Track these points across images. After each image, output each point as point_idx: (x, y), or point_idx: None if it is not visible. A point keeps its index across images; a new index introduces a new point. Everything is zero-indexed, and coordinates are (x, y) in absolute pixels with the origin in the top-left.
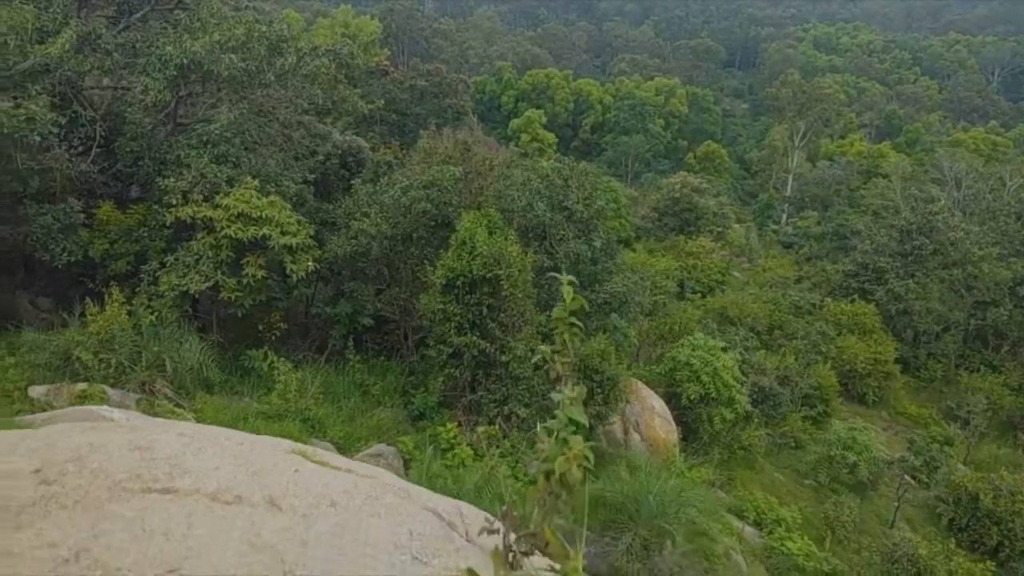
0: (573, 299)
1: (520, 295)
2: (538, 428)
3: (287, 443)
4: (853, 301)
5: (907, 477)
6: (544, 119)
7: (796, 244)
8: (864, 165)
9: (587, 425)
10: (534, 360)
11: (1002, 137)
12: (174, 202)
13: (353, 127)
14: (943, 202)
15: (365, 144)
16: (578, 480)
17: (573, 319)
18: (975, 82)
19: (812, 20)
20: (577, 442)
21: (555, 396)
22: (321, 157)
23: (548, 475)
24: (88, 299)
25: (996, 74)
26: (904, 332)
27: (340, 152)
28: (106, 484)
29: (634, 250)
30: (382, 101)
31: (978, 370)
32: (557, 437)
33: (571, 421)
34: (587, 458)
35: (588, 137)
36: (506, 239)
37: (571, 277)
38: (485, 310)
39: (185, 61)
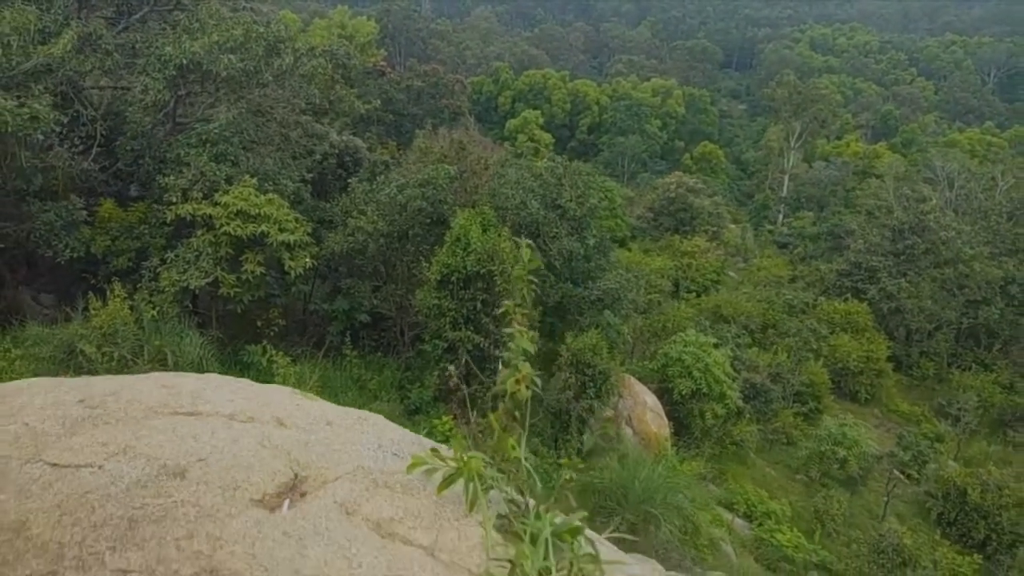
0: (530, 260)
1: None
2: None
3: (288, 388)
4: (846, 300)
5: (897, 473)
6: (541, 120)
7: (791, 244)
8: (860, 166)
9: (534, 352)
10: (499, 312)
11: (997, 138)
12: (174, 200)
13: (350, 127)
14: (935, 202)
15: (362, 144)
16: (526, 397)
17: (531, 277)
18: (971, 83)
19: (809, 21)
20: (526, 367)
21: (506, 331)
22: (318, 156)
23: (503, 397)
24: (91, 294)
25: (992, 75)
26: (896, 330)
27: (337, 151)
28: (141, 409)
29: (630, 249)
30: (379, 101)
31: (969, 368)
32: (510, 364)
33: (523, 351)
34: (534, 381)
35: (585, 138)
36: (499, 236)
37: (529, 241)
38: (479, 305)
39: (184, 61)
